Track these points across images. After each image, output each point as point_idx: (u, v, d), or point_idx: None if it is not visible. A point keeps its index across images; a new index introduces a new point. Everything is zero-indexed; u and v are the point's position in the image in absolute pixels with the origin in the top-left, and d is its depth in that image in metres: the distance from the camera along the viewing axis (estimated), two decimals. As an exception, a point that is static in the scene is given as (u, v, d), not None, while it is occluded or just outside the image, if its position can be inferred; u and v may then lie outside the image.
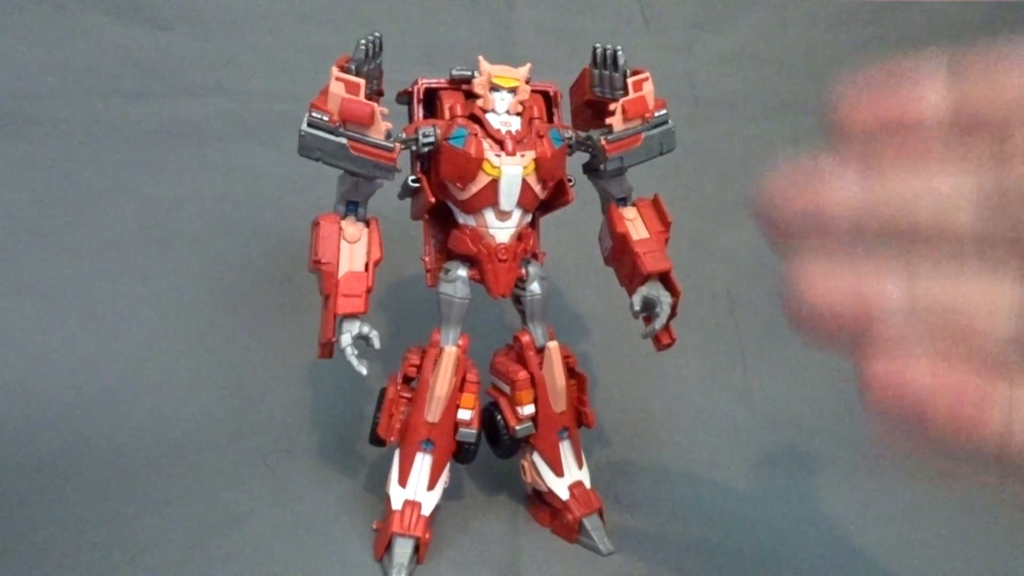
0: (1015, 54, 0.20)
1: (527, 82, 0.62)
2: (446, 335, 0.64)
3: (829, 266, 0.22)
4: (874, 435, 0.22)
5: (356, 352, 0.60)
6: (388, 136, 0.59)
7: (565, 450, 0.69)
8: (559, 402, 0.67)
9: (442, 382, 0.63)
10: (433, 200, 0.62)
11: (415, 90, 0.64)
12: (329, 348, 0.60)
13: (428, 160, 0.63)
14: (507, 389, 0.67)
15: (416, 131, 0.61)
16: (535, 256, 0.68)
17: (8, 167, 0.97)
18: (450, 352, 0.63)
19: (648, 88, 0.65)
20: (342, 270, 0.60)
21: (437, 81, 0.64)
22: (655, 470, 0.82)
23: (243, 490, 0.74)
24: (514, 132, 0.61)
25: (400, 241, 0.75)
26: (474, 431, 0.65)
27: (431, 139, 0.61)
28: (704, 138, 1.07)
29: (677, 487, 0.79)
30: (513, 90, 0.61)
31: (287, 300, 0.97)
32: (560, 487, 0.69)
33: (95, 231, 0.98)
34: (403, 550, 0.62)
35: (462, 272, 0.65)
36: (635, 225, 0.68)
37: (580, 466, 0.70)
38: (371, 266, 0.61)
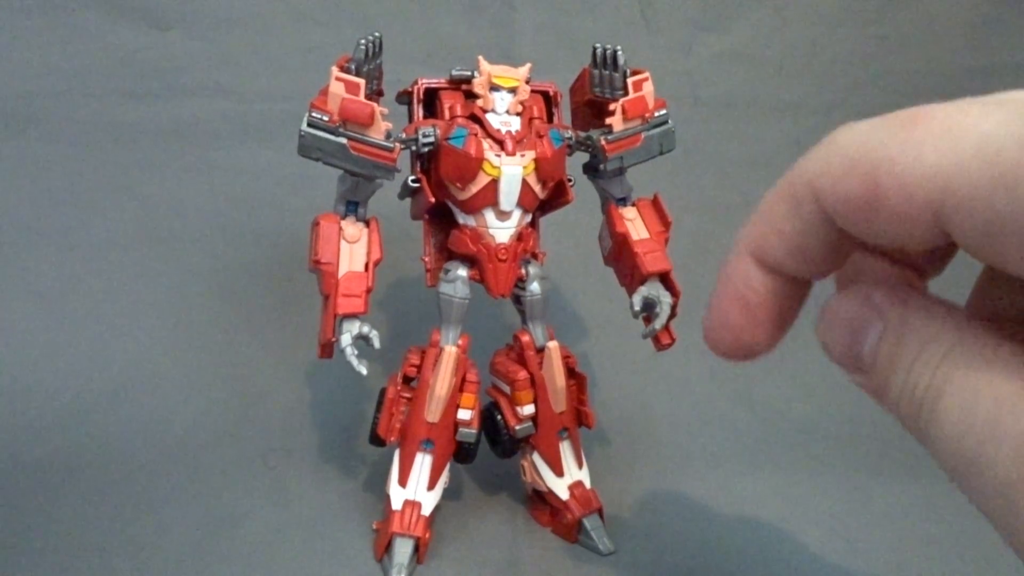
0: None
1: (527, 82, 0.62)
2: (446, 335, 0.64)
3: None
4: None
5: (356, 352, 0.60)
6: (388, 136, 0.59)
7: (565, 450, 0.69)
8: (559, 402, 0.67)
9: (442, 382, 0.63)
10: (433, 200, 0.62)
11: (415, 90, 0.64)
12: (329, 348, 0.60)
13: (428, 160, 0.63)
14: (507, 389, 0.67)
15: (416, 131, 0.61)
16: (535, 256, 0.68)
17: (8, 167, 0.97)
18: (450, 352, 0.63)
19: (648, 88, 0.65)
20: (342, 270, 0.59)
21: (437, 81, 0.64)
22: (655, 470, 0.82)
23: (243, 490, 0.74)
24: (514, 132, 0.61)
25: (400, 241, 0.75)
26: (474, 431, 0.65)
27: (431, 139, 0.61)
28: (704, 138, 1.07)
29: (677, 487, 0.79)
30: (513, 90, 0.61)
31: (287, 300, 0.97)
32: (560, 487, 0.69)
33: (95, 231, 0.98)
34: (403, 550, 0.62)
35: (462, 272, 0.64)
36: (635, 225, 0.68)
37: (580, 466, 0.70)
38: (371, 266, 0.60)
